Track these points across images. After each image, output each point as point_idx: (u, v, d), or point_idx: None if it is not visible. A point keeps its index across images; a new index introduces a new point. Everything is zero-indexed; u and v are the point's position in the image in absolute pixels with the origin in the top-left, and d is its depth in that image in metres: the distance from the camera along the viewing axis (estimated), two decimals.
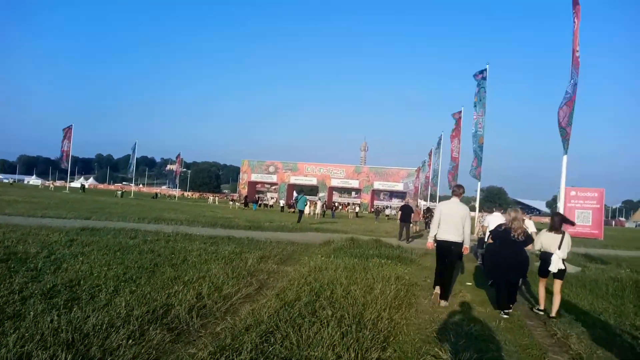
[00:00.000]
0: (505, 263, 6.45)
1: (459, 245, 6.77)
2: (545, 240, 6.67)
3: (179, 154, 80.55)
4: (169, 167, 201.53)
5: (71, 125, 53.66)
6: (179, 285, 5.80)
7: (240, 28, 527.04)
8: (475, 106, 20.93)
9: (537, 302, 6.97)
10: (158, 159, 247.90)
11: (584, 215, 31.74)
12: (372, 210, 62.33)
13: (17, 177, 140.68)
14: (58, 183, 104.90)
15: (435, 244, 7.14)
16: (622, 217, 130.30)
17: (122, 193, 55.27)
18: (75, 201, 28.16)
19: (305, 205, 26.54)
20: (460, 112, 30.64)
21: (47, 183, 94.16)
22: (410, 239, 17.49)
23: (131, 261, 7.29)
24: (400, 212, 18.66)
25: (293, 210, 49.14)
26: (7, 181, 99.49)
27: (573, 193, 36.42)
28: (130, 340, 3.72)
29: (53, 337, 3.58)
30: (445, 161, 40.42)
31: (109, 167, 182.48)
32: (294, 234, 16.84)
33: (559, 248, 6.46)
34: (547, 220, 29.52)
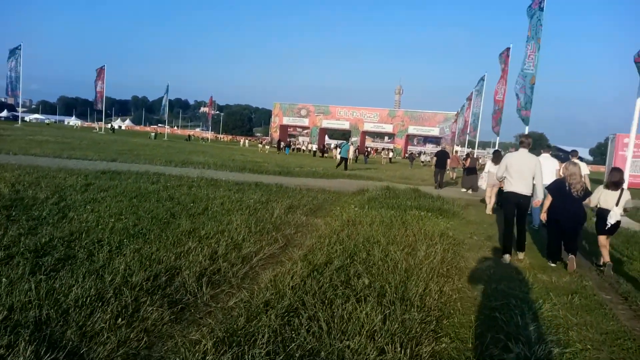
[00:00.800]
0: (565, 219, 6.21)
1: (528, 198, 6.50)
2: (603, 197, 6.48)
3: (211, 97, 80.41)
4: (202, 109, 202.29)
5: (104, 65, 53.34)
6: (193, 242, 5.06)
7: None
8: (527, 41, 18.82)
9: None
10: (192, 102, 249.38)
11: (637, 165, 29.47)
12: (406, 155, 60.74)
13: (57, 117, 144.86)
14: (96, 124, 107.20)
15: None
16: None
17: (156, 135, 55.64)
18: (107, 142, 28.11)
19: (347, 152, 25.42)
20: (508, 49, 28.20)
21: (93, 125, 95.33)
22: (442, 186, 16.94)
23: (145, 210, 6.60)
24: (435, 158, 18.10)
25: (325, 154, 48.39)
26: (47, 122, 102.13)
27: (627, 140, 33.87)
28: (120, 319, 2.98)
29: (21, 313, 2.86)
30: (488, 104, 38.17)
31: (144, 109, 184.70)
32: (326, 180, 16.00)
33: (617, 205, 6.33)
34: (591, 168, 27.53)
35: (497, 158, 11.27)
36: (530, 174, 6.41)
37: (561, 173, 7.29)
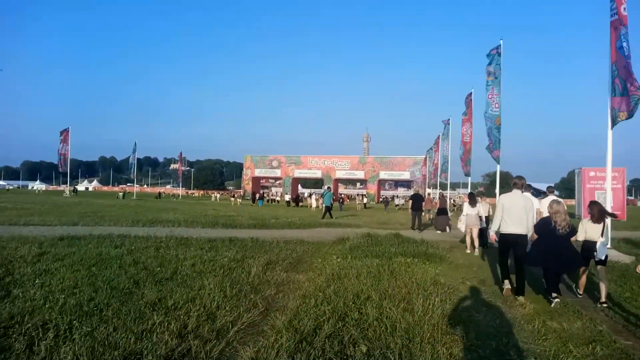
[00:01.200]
0: (555, 257, 6.25)
1: (524, 237, 6.58)
2: (589, 230, 6.60)
3: (180, 153, 79.78)
4: (172, 166, 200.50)
5: (68, 127, 52.21)
6: (158, 315, 4.35)
7: (236, 27, 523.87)
8: (488, 85, 19.30)
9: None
10: (161, 159, 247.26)
11: (604, 197, 30.16)
12: (381, 200, 60.90)
13: (20, 182, 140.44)
14: (62, 187, 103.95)
15: (497, 238, 6.93)
16: (630, 196, 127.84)
17: (124, 194, 54.03)
18: (70, 205, 26.84)
19: (331, 201, 24.80)
20: (470, 94, 29.05)
21: (59, 188, 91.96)
22: (422, 228, 17.13)
23: (105, 280, 5.83)
24: (411, 201, 18.40)
25: (300, 204, 47.87)
26: (7, 187, 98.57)
27: (592, 174, 34.36)
28: None
29: None
30: (455, 147, 38.89)
31: (112, 169, 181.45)
32: (304, 230, 15.40)
33: (602, 236, 6.51)
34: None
35: (472, 200, 11.69)
36: (525, 214, 6.53)
37: (547, 211, 7.08)
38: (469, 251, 11.23)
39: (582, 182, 31.25)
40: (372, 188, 73.88)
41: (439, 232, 16.41)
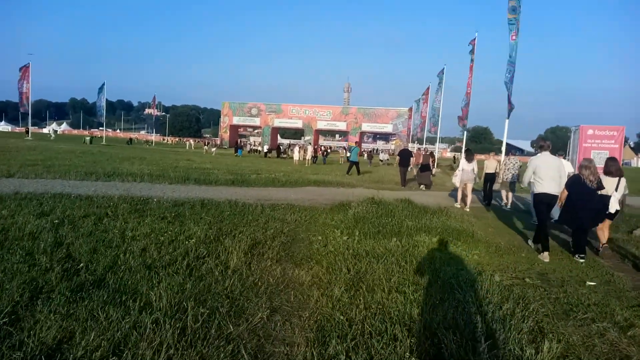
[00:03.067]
0: (586, 213, 6.54)
1: (556, 197, 6.81)
2: (606, 184, 6.92)
3: (154, 96, 75.39)
4: (147, 111, 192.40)
5: (28, 63, 47.32)
6: None
7: None
8: (510, 24, 16.84)
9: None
10: (136, 103, 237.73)
11: (601, 157, 28.42)
12: (366, 153, 59.03)
13: None
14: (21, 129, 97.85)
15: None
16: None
17: (92, 139, 50.31)
18: (21, 150, 23.73)
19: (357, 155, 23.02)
20: (474, 39, 26.47)
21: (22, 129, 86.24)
22: (406, 184, 17.02)
23: None
24: (399, 157, 18.00)
25: (278, 156, 45.37)
26: None
27: (590, 132, 32.83)
28: None
29: None
30: (448, 98, 36.57)
31: (82, 112, 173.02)
32: (290, 190, 13.17)
33: (616, 190, 7.08)
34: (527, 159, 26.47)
35: (469, 156, 11.95)
36: (558, 174, 6.87)
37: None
38: (458, 206, 11.63)
39: (579, 140, 29.80)
40: (354, 140, 71.58)
41: (423, 187, 16.26)
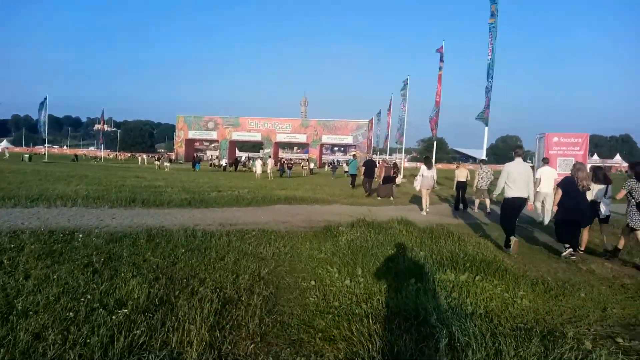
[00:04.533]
0: (576, 211, 7.04)
1: (525, 200, 7.42)
2: (595, 191, 7.81)
3: (102, 110, 71.21)
4: (96, 126, 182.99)
5: None
6: None
7: None
8: (491, 28, 15.74)
9: None
10: (84, 119, 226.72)
11: (567, 163, 27.88)
12: (329, 165, 57.54)
13: None
14: None
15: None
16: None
17: (30, 156, 46.01)
18: None
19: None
20: (441, 47, 25.55)
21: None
22: (372, 193, 16.87)
23: None
24: (364, 167, 17.93)
25: (236, 169, 43.00)
26: None
27: (555, 139, 32.43)
28: None
29: None
30: (414, 107, 35.65)
31: (24, 129, 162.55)
32: (258, 209, 11.21)
33: (605, 196, 7.88)
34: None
35: (428, 163, 12.61)
36: (527, 180, 7.35)
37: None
38: (424, 213, 12.06)
39: (546, 148, 29.52)
40: (315, 152, 70.07)
41: (379, 198, 16.03)
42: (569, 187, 7.10)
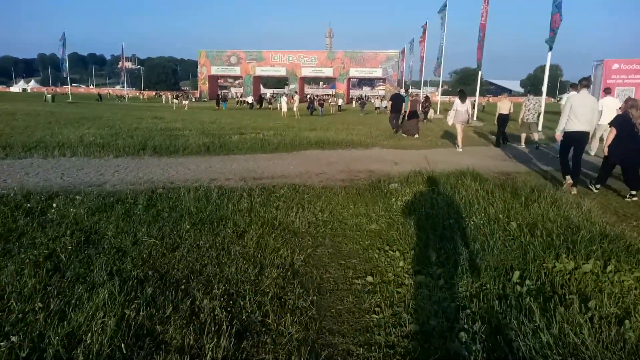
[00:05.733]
0: (635, 152, 6.37)
1: (588, 135, 7.05)
2: None
3: (122, 46, 68.67)
4: (119, 64, 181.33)
5: None
6: None
7: None
8: None
9: None
10: (108, 56, 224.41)
11: (625, 94, 24.73)
12: (357, 101, 54.89)
13: None
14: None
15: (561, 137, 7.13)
16: None
17: (53, 96, 45.20)
18: None
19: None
20: None
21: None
22: (399, 130, 15.91)
23: None
24: (390, 102, 16.86)
25: (261, 107, 41.14)
26: None
27: (615, 66, 28.71)
28: None
29: None
30: (450, 35, 32.39)
31: (49, 68, 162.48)
32: (287, 156, 9.66)
33: None
34: (521, 99, 23.88)
35: (462, 96, 11.84)
36: (592, 113, 6.83)
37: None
38: (460, 149, 11.60)
39: (603, 77, 26.48)
40: (341, 87, 66.79)
41: (408, 135, 15.11)
42: (623, 128, 6.45)
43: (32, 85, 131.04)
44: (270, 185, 6.37)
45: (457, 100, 11.92)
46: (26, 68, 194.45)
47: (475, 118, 24.68)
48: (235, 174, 7.33)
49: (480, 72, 24.65)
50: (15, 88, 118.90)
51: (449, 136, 14.70)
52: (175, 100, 39.39)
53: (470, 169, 7.33)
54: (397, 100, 16.42)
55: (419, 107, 19.39)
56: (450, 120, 11.97)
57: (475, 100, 28.81)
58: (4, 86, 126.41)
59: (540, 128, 13.27)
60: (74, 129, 12.94)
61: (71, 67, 60.04)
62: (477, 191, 5.57)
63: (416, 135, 14.92)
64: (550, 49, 14.89)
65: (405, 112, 15.95)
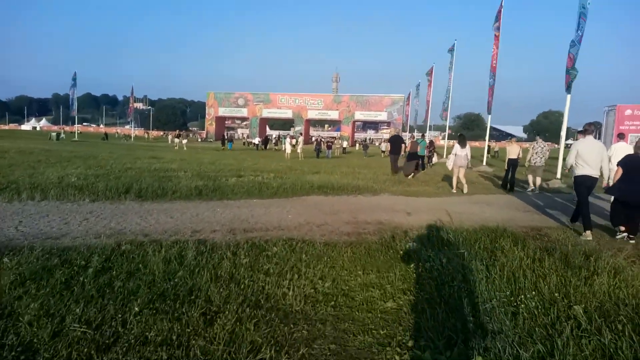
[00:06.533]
0: (636, 193, 6.32)
1: (597, 179, 7.01)
2: None
3: (132, 87, 69.73)
4: (131, 105, 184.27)
5: None
6: None
7: None
8: None
9: None
10: (121, 97, 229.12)
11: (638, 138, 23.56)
12: (361, 144, 54.40)
13: None
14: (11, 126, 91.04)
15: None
16: None
17: (58, 135, 44.97)
18: None
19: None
20: (501, 4, 21.84)
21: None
22: (398, 172, 15.54)
23: None
24: (389, 144, 16.81)
25: (266, 148, 40.52)
26: None
27: (628, 112, 27.86)
28: None
29: None
30: (457, 78, 31.99)
31: (61, 107, 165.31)
32: (286, 202, 8.60)
33: None
34: (528, 145, 22.78)
35: (462, 141, 11.95)
36: (599, 159, 6.87)
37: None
38: (454, 191, 11.66)
39: (616, 122, 25.67)
40: (347, 130, 66.61)
41: (409, 176, 14.78)
42: (630, 167, 6.48)
43: (42, 123, 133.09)
44: (262, 239, 5.30)
45: (457, 145, 12.09)
46: (40, 107, 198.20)
47: (484, 163, 23.75)
48: (224, 225, 6.27)
49: (490, 116, 23.91)
50: (26, 126, 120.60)
51: (450, 180, 13.92)
52: (176, 140, 38.68)
53: (502, 226, 6.21)
54: (396, 141, 16.27)
55: (417, 149, 18.75)
56: (450, 164, 12.19)
57: (485, 145, 28.05)
58: (16, 124, 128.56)
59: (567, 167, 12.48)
60: (60, 169, 12.02)
61: (84, 107, 60.70)
62: (522, 259, 4.41)
63: (410, 176, 14.71)
64: (568, 91, 14.13)
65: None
